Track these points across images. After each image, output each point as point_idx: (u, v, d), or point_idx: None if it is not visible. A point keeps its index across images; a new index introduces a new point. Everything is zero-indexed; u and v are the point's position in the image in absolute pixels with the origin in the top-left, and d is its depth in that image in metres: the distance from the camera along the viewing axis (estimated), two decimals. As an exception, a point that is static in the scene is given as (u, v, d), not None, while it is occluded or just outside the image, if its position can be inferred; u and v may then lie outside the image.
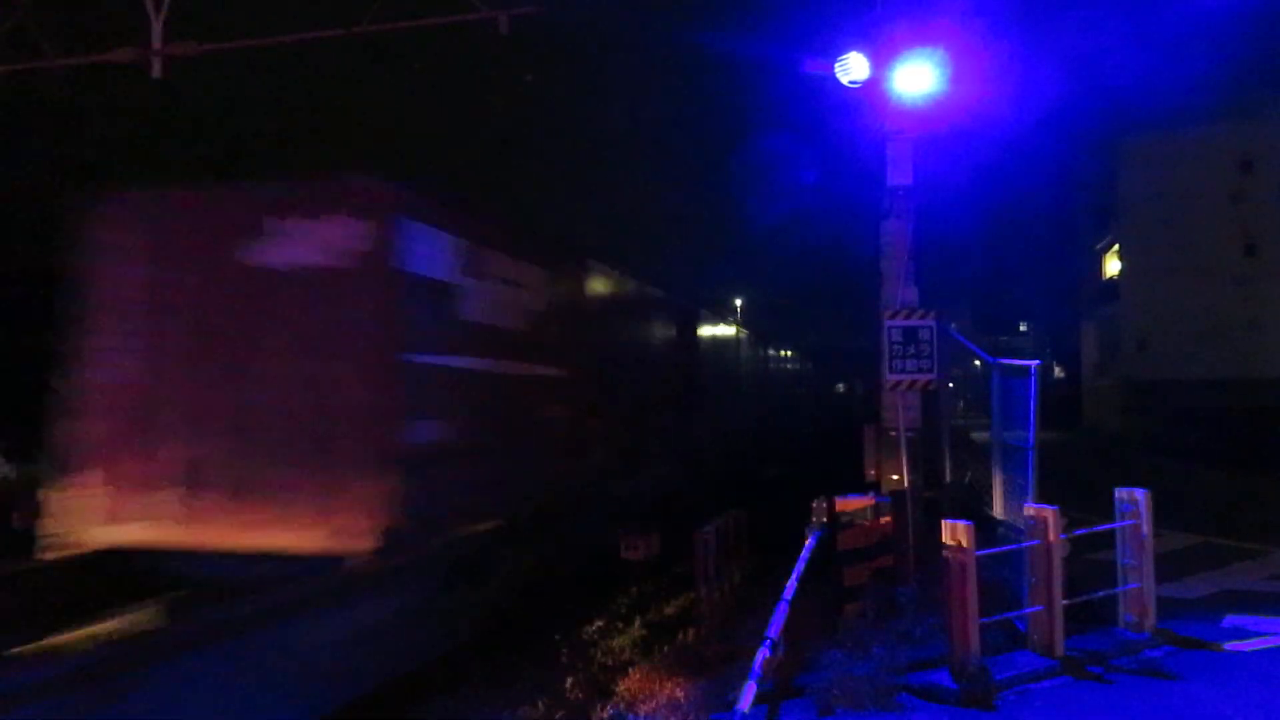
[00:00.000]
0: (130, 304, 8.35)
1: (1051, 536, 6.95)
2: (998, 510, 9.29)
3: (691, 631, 10.21)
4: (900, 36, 9.27)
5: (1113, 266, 36.36)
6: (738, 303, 48.82)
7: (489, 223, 11.00)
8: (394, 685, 8.14)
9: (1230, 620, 7.98)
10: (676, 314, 18.90)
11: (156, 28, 13.08)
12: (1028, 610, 7.15)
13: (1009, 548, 7.51)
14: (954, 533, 6.56)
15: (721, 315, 26.29)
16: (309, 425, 7.97)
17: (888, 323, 9.41)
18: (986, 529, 7.90)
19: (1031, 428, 7.56)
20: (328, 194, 8.26)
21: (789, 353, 35.09)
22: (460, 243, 9.45)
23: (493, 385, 10.12)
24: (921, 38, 9.21)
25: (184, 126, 23.14)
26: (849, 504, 9.38)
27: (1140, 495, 7.52)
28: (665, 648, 10.00)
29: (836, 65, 9.22)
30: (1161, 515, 7.71)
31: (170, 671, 5.69)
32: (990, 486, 10.12)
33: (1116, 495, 7.69)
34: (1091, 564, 8.41)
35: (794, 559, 8.23)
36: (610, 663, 9.95)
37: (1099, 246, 38.01)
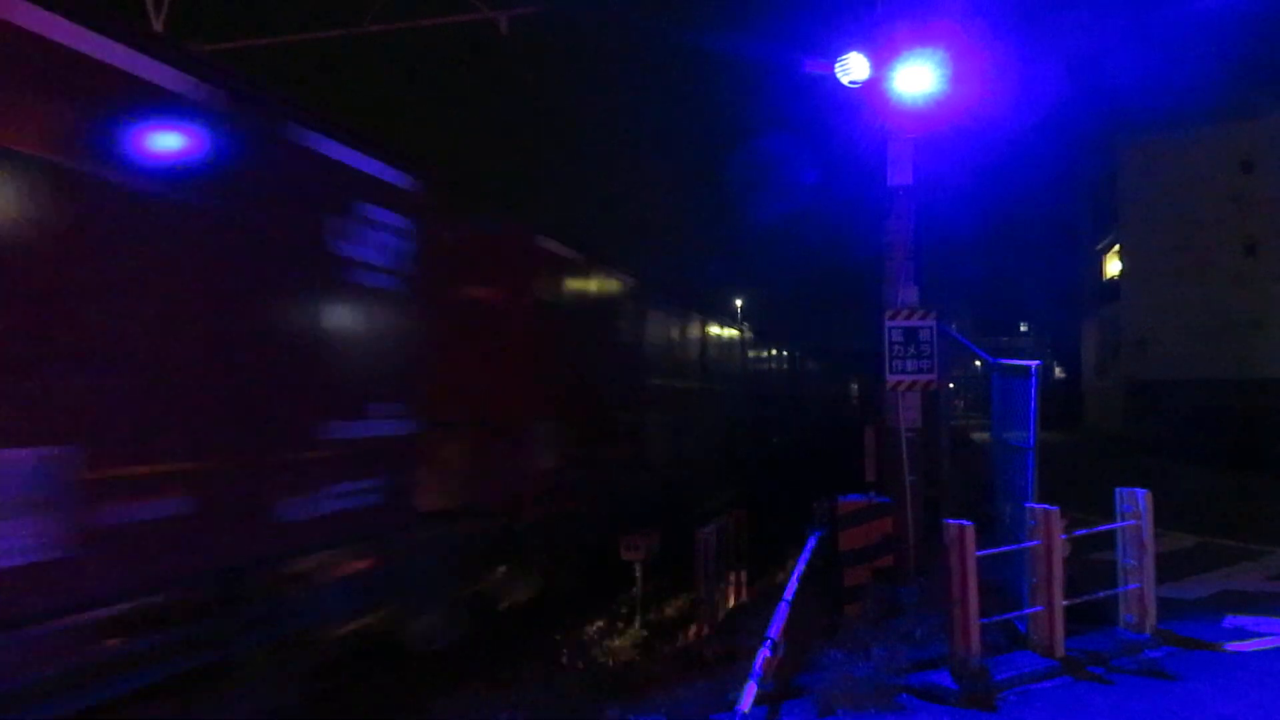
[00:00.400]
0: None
1: (1052, 537, 6.95)
2: (998, 511, 9.28)
3: (691, 631, 10.21)
4: (900, 37, 9.26)
5: (1113, 267, 36.36)
6: (738, 303, 48.80)
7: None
8: (394, 685, 8.14)
9: (1231, 620, 7.98)
10: (693, 320, 19.90)
11: (157, 28, 13.09)
12: (1028, 610, 7.15)
13: (1010, 548, 7.50)
14: (954, 533, 6.56)
15: (726, 318, 26.34)
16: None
17: (888, 323, 9.42)
18: (987, 529, 7.89)
19: (1032, 428, 7.55)
20: None
21: (788, 352, 35.02)
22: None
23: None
24: (921, 38, 9.21)
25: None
26: (850, 504, 9.39)
27: (1140, 495, 7.52)
28: (665, 648, 10.01)
29: (836, 65, 9.22)
30: (1162, 515, 7.70)
31: None
32: (990, 487, 10.12)
33: (1117, 495, 7.69)
34: (1092, 564, 8.41)
35: (794, 559, 8.24)
36: (610, 662, 9.95)
37: (1099, 247, 38.01)
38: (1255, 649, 7.25)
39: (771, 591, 10.92)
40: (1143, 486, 7.61)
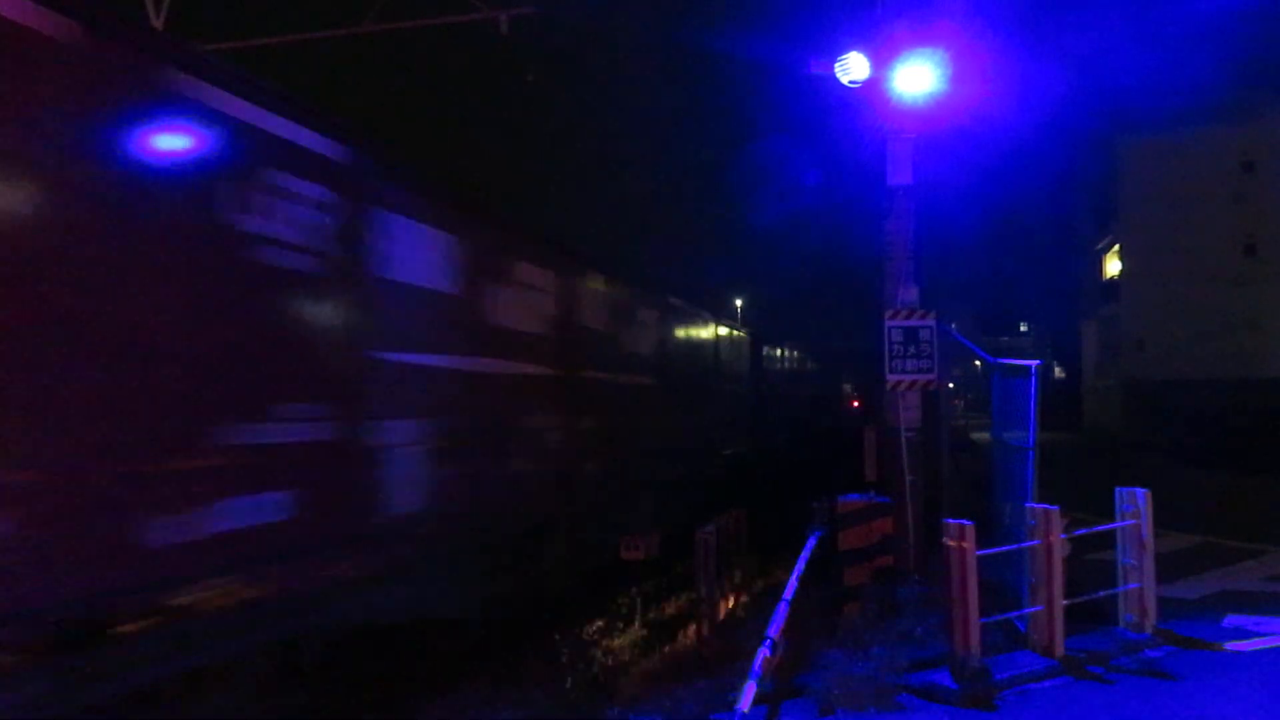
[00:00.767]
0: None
1: (1052, 536, 6.94)
2: (998, 510, 9.28)
3: (691, 631, 10.21)
4: (900, 36, 9.26)
5: (1113, 267, 36.37)
6: (737, 303, 48.81)
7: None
8: (394, 685, 8.14)
9: (1231, 620, 7.98)
10: (701, 323, 20.31)
11: (157, 27, 13.09)
12: (1028, 610, 7.15)
13: (1009, 547, 7.50)
14: (954, 533, 6.56)
15: (727, 318, 26.33)
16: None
17: (888, 323, 9.42)
18: (987, 529, 7.90)
19: (1032, 428, 7.55)
20: None
21: (787, 352, 35.02)
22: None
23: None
24: (921, 38, 9.21)
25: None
26: (849, 504, 9.39)
27: (1140, 495, 7.52)
28: (665, 648, 10.01)
29: (836, 65, 9.22)
30: (1162, 515, 7.70)
31: None
32: (990, 486, 10.12)
33: (1117, 495, 7.69)
34: (1092, 564, 8.41)
35: (794, 559, 8.24)
36: (611, 662, 9.95)
37: (1099, 247, 38.02)
38: (1255, 649, 7.25)
39: (771, 591, 10.92)
40: (1142, 486, 7.61)
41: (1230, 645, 7.33)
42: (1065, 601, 6.99)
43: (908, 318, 9.41)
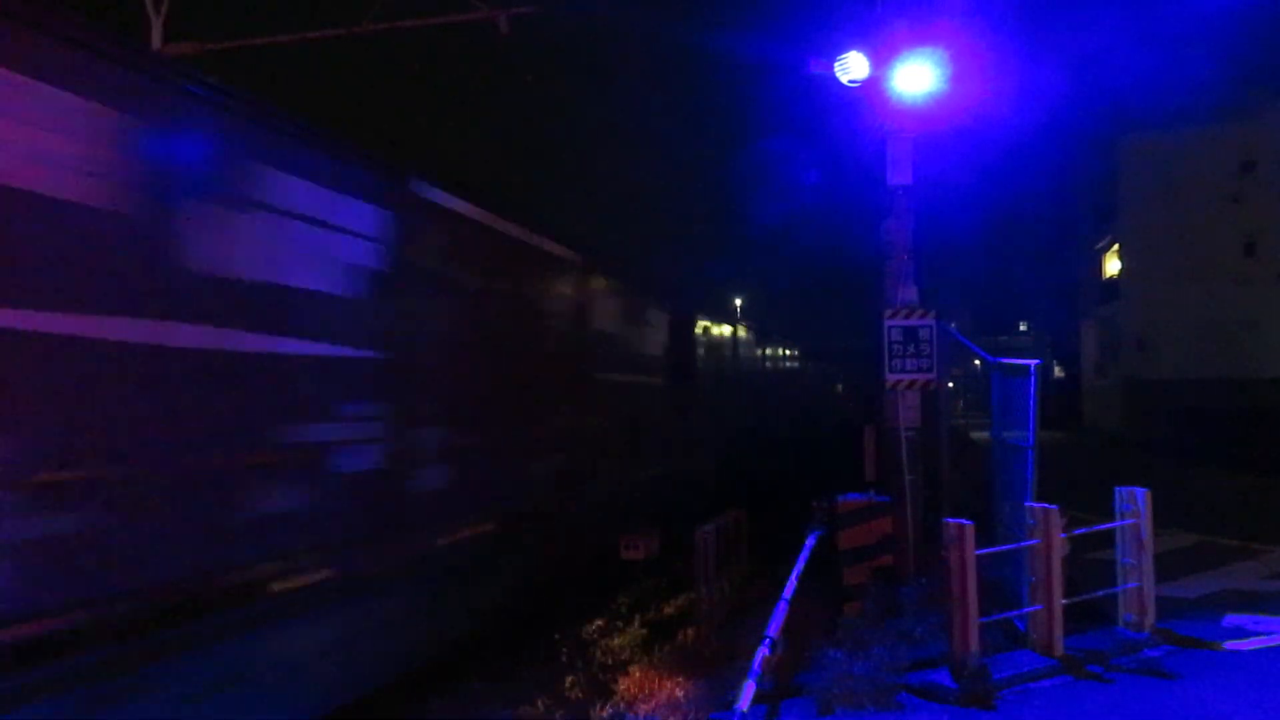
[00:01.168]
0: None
1: (1051, 536, 6.95)
2: (998, 510, 9.29)
3: (691, 631, 10.20)
4: (900, 36, 9.26)
5: (1113, 266, 36.36)
6: (737, 302, 48.81)
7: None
8: (393, 685, 8.14)
9: (1230, 619, 7.99)
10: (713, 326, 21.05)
11: (156, 27, 13.09)
12: (1027, 609, 7.15)
13: (1009, 547, 7.51)
14: (954, 532, 6.56)
15: (733, 318, 26.33)
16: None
17: (888, 322, 9.42)
18: (986, 528, 7.90)
19: (1031, 427, 7.55)
20: None
21: (787, 351, 35.05)
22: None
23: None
24: (921, 37, 9.21)
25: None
26: (849, 504, 9.39)
27: (1140, 494, 7.53)
28: (665, 647, 10.01)
29: (836, 65, 9.22)
30: (1161, 514, 7.71)
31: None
32: (990, 486, 10.12)
33: (1116, 494, 7.70)
34: (1091, 563, 8.42)
35: (794, 558, 8.24)
36: (610, 662, 9.95)
37: (1099, 246, 38.01)
38: (1254, 648, 7.25)
39: (771, 591, 10.92)
40: (1142, 485, 7.61)
41: (1229, 644, 7.33)
42: (1064, 601, 7.00)
43: (907, 317, 9.41)
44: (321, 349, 7.25)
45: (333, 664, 7.27)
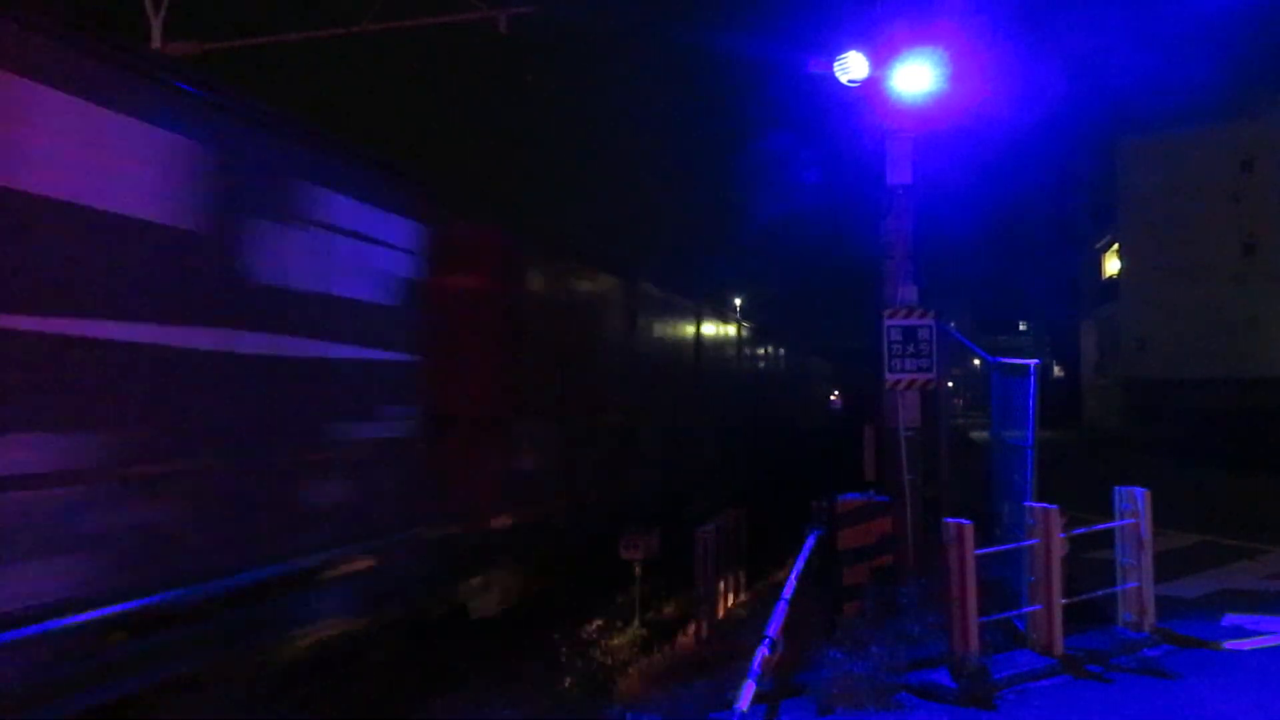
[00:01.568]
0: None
1: (1051, 535, 6.95)
2: (997, 509, 9.29)
3: (691, 630, 10.21)
4: (899, 35, 9.26)
5: (1112, 265, 36.38)
6: (736, 302, 48.83)
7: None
8: (394, 685, 8.14)
9: (1229, 619, 7.99)
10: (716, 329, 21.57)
11: (156, 27, 13.09)
12: (1027, 609, 7.15)
13: (1008, 546, 7.51)
14: (953, 531, 6.56)
15: (730, 318, 26.33)
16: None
17: (887, 322, 9.42)
18: (986, 528, 7.90)
19: (1031, 427, 7.55)
20: None
21: (786, 350, 34.99)
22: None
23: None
24: (921, 37, 9.21)
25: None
26: (849, 503, 9.39)
27: (1139, 494, 7.53)
28: (665, 647, 10.01)
29: (836, 64, 9.22)
30: (1161, 514, 7.71)
31: None
32: (990, 485, 10.12)
33: (1116, 494, 7.70)
34: (1091, 563, 8.42)
35: (794, 558, 8.24)
36: (610, 662, 9.95)
37: (1099, 245, 38.03)
38: (1254, 647, 7.26)
39: (770, 590, 10.93)
40: (1141, 485, 7.62)
41: (1229, 644, 7.33)
42: (1064, 600, 7.00)
43: (907, 317, 9.41)
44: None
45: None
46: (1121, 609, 7.58)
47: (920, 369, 9.38)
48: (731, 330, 24.75)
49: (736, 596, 12.49)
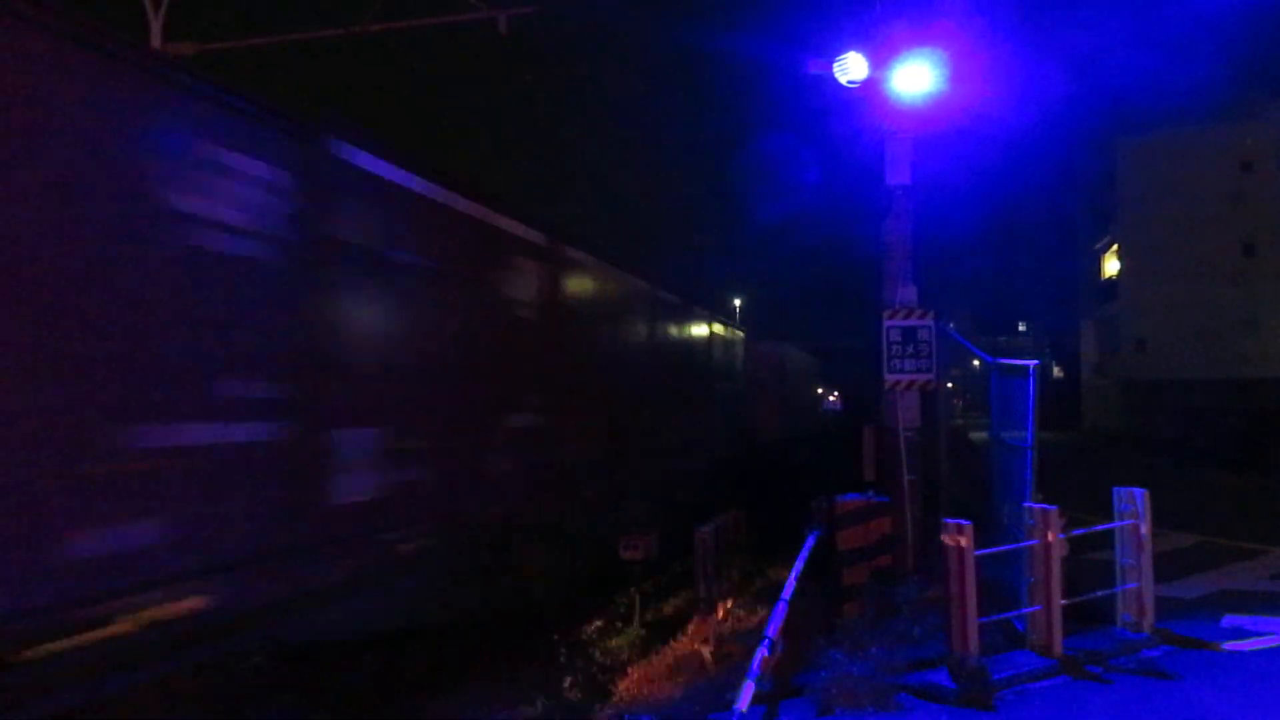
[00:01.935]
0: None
1: (1050, 536, 6.95)
2: (997, 510, 9.29)
3: (690, 631, 10.21)
4: (899, 36, 9.26)
5: (1112, 266, 36.40)
6: (736, 302, 48.85)
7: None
8: (394, 685, 8.15)
9: (1229, 620, 7.99)
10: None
11: (156, 27, 13.09)
12: (1026, 610, 7.15)
13: (1008, 547, 7.51)
14: (953, 532, 6.56)
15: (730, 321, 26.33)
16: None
17: (886, 323, 9.42)
18: (985, 528, 7.90)
19: (1030, 427, 7.55)
20: None
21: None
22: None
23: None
24: (920, 37, 9.21)
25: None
26: (848, 504, 9.39)
27: (1139, 495, 7.53)
28: (664, 647, 10.01)
29: (835, 65, 9.22)
30: (1160, 515, 7.71)
31: None
32: (989, 486, 10.13)
33: (1115, 495, 7.70)
34: (1090, 563, 8.42)
35: (793, 558, 8.24)
36: (609, 662, 9.95)
37: (1098, 246, 38.04)
38: (1253, 648, 7.26)
39: (770, 591, 10.93)
40: (1141, 485, 7.62)
41: (1228, 645, 7.33)
42: (1063, 601, 6.99)
43: (906, 317, 9.41)
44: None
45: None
46: (1121, 610, 7.58)
47: (920, 369, 9.38)
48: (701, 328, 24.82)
49: (736, 596, 12.49)
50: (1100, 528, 7.72)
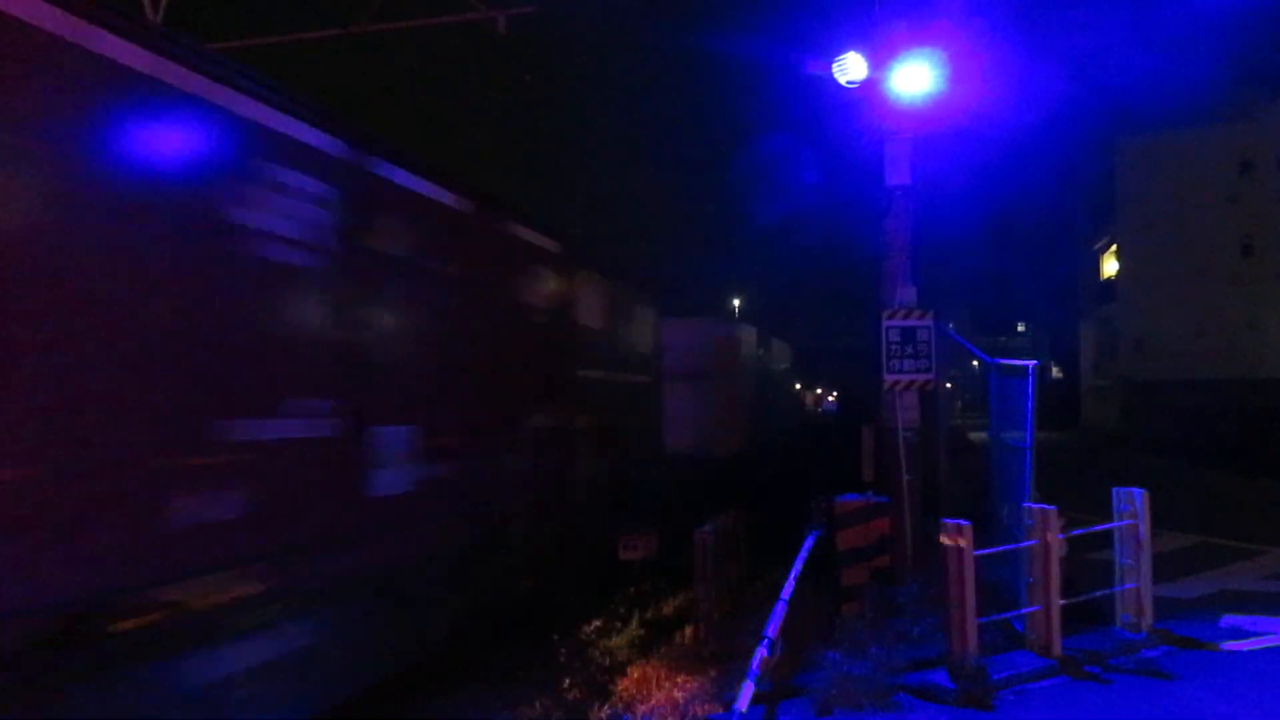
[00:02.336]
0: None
1: (1049, 536, 6.96)
2: (996, 510, 9.30)
3: (690, 631, 10.20)
4: (898, 36, 9.26)
5: (1111, 266, 36.39)
6: (736, 302, 48.84)
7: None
8: (393, 684, 8.14)
9: (1227, 620, 8.00)
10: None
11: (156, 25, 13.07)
12: (1025, 610, 7.16)
13: (1007, 547, 7.51)
14: (952, 532, 6.56)
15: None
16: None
17: (886, 323, 9.42)
18: (984, 529, 7.91)
19: (1029, 428, 7.56)
20: None
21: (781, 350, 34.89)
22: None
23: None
24: (920, 38, 9.21)
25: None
26: (847, 504, 9.40)
27: (1138, 495, 7.54)
28: (663, 648, 10.01)
29: (835, 65, 9.21)
30: (1159, 515, 7.72)
31: None
32: (988, 486, 10.13)
33: (1114, 495, 7.70)
34: (1089, 564, 8.42)
35: (792, 559, 8.25)
36: (609, 662, 9.95)
37: (1097, 246, 38.04)
38: (1252, 648, 7.27)
39: (770, 591, 10.92)
40: (1140, 486, 7.62)
41: (1227, 645, 7.34)
42: (1062, 601, 7.00)
43: (905, 317, 9.41)
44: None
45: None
46: (1120, 610, 7.58)
47: (919, 369, 9.38)
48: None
49: (735, 596, 12.48)
50: (1099, 528, 7.73)
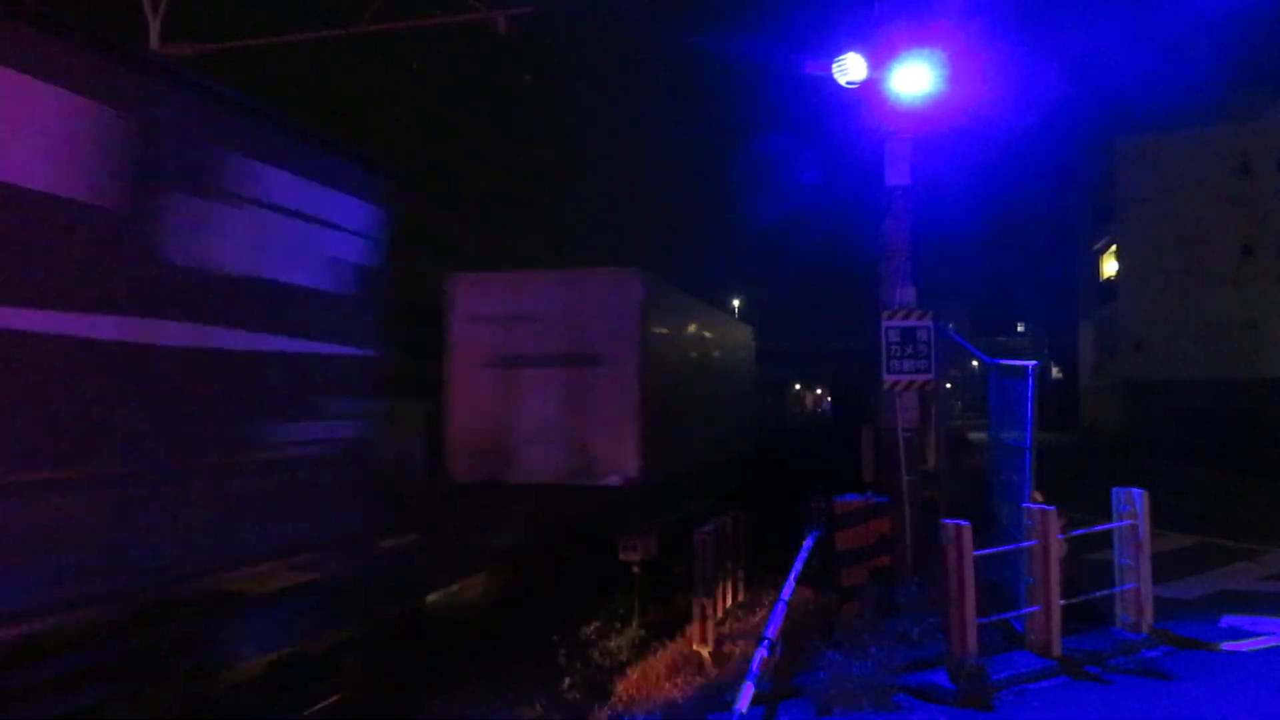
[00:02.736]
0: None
1: (1049, 536, 6.96)
2: (995, 510, 9.30)
3: (690, 631, 10.21)
4: (898, 37, 9.26)
5: (1110, 267, 36.41)
6: (735, 303, 48.85)
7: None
8: (394, 684, 8.15)
9: (1227, 620, 8.00)
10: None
11: (155, 27, 13.09)
12: (1025, 610, 7.16)
13: (1007, 548, 7.51)
14: (952, 533, 6.57)
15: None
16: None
17: (885, 323, 9.42)
18: (984, 529, 7.91)
19: (1029, 428, 7.56)
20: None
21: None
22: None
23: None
24: (919, 38, 9.21)
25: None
26: (847, 504, 9.40)
27: (1137, 495, 7.54)
28: (663, 648, 10.01)
29: (834, 66, 9.21)
30: (1159, 515, 7.72)
31: None
32: (988, 487, 10.13)
33: (1114, 495, 7.71)
34: (1089, 564, 8.42)
35: (792, 559, 8.25)
36: (609, 663, 9.95)
37: (1097, 247, 38.06)
38: (1251, 649, 7.26)
39: (770, 591, 10.92)
40: (1139, 486, 7.63)
41: (1226, 645, 7.34)
42: (1062, 602, 7.00)
43: (905, 318, 9.41)
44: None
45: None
46: (1119, 610, 7.58)
47: (918, 370, 9.38)
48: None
49: (735, 597, 12.48)
50: (1099, 528, 7.73)
